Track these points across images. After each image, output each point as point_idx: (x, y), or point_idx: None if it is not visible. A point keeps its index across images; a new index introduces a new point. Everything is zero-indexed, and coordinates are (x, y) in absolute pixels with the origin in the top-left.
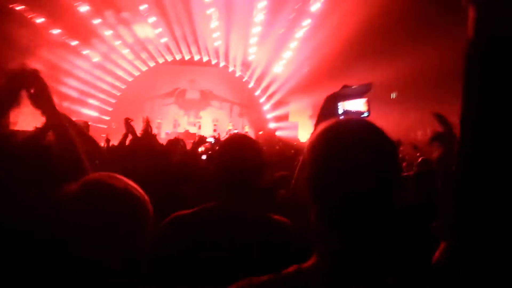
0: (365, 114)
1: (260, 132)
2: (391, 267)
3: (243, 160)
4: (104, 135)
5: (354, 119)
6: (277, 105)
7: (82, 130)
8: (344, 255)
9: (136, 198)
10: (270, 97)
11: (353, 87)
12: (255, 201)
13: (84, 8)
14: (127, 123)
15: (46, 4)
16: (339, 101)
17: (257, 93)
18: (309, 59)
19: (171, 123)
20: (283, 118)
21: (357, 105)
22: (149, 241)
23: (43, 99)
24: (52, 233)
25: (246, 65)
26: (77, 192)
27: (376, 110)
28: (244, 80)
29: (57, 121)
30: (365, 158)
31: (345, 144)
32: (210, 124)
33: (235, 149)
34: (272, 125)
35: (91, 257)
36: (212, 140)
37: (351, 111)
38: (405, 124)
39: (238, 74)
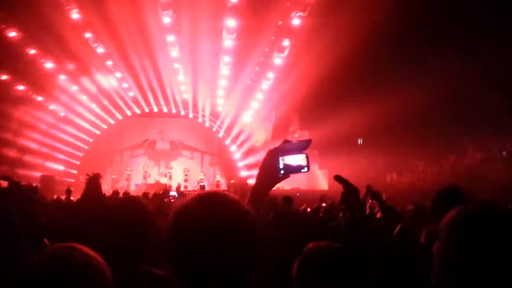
0: (305, 169)
1: (232, 181)
2: None
3: (129, 224)
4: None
5: (213, 196)
6: (248, 153)
7: (26, 194)
8: None
9: (95, 270)
10: (240, 146)
11: (293, 142)
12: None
13: (49, 65)
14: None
15: (10, 60)
16: (280, 155)
17: (227, 142)
18: (276, 108)
19: (141, 174)
20: (255, 166)
21: (298, 160)
22: None
23: None
24: None
25: (215, 115)
26: (39, 266)
27: (345, 157)
28: (213, 130)
29: None
30: (222, 234)
31: (203, 221)
32: (181, 174)
33: (122, 215)
34: (243, 173)
35: None
36: (175, 193)
37: (291, 165)
38: (374, 169)
39: (207, 124)
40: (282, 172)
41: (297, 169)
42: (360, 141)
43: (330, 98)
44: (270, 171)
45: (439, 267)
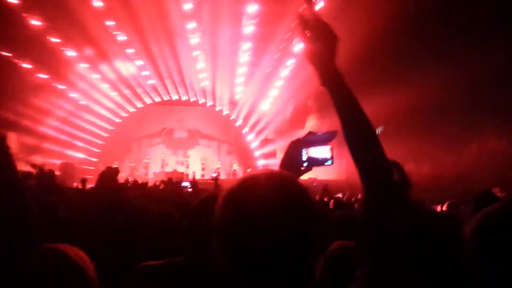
0: (329, 162)
1: (249, 170)
2: None
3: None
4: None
5: (266, 173)
6: (265, 142)
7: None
8: None
9: (74, 275)
10: (258, 134)
11: (318, 133)
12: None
13: (70, 53)
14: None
15: (33, 49)
16: (304, 147)
17: (245, 131)
18: (295, 96)
19: (159, 163)
20: (271, 155)
21: (322, 152)
22: None
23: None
24: None
25: (233, 104)
26: (22, 267)
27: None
28: (231, 118)
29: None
30: (278, 216)
31: (257, 203)
32: (199, 163)
33: (205, 208)
34: (260, 162)
35: None
36: (187, 184)
37: (315, 158)
38: (391, 158)
39: (225, 113)
40: (305, 164)
41: (321, 162)
42: (378, 130)
43: (351, 85)
44: (293, 164)
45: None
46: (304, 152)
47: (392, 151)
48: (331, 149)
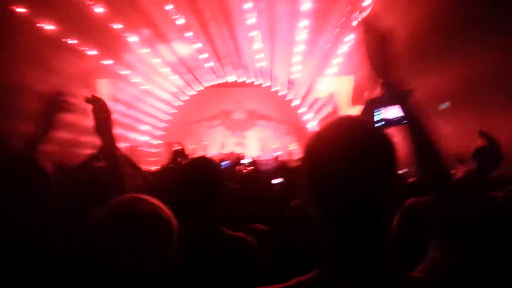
0: (404, 122)
1: None
2: (392, 271)
3: (195, 181)
4: (153, 159)
5: (345, 119)
6: (323, 121)
7: (127, 157)
8: (346, 263)
9: (159, 217)
10: (315, 114)
11: None
12: (215, 217)
13: (133, 39)
14: (170, 149)
15: (97, 36)
16: (378, 107)
17: (302, 110)
18: (355, 73)
19: (217, 145)
20: None
21: (397, 112)
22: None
23: (106, 127)
24: (82, 253)
25: (290, 83)
26: (104, 216)
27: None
28: (289, 98)
29: (112, 149)
30: (356, 159)
31: (334, 147)
32: (256, 144)
33: (189, 172)
34: None
35: (117, 275)
36: (247, 161)
37: (389, 119)
38: (463, 136)
39: (282, 93)
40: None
41: (397, 122)
42: (444, 105)
43: (414, 60)
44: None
45: None
46: (378, 112)
47: (464, 127)
48: None
